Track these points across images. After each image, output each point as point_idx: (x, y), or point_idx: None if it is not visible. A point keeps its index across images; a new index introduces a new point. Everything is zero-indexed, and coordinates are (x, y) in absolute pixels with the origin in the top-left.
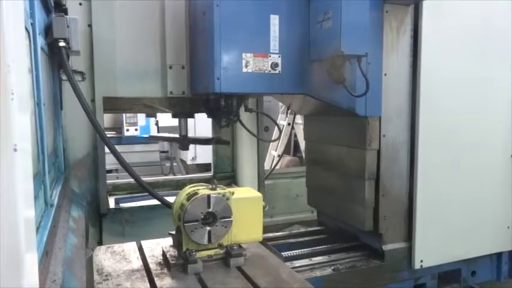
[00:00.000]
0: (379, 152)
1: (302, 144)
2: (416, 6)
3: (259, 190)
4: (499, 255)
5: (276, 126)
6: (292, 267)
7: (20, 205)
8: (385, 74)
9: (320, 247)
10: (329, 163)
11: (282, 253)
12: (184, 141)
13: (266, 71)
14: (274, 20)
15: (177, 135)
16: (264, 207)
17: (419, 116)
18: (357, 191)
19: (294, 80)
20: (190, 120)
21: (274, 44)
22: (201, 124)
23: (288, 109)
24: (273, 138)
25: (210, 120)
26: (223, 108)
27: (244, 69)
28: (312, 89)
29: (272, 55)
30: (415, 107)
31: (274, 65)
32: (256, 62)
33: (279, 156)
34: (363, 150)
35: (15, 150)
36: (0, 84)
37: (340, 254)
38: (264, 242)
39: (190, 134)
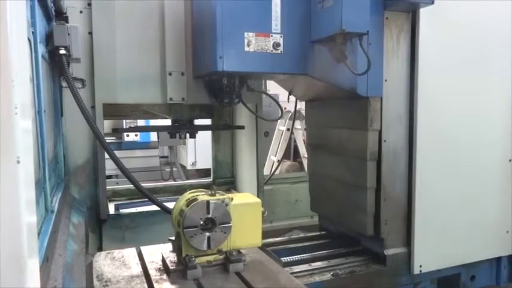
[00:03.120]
0: (380, 155)
1: (302, 149)
2: (414, 12)
3: (258, 195)
4: (498, 259)
5: (279, 108)
6: (291, 273)
7: (22, 213)
8: (386, 80)
9: (320, 252)
10: (331, 147)
11: (281, 258)
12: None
13: (268, 51)
14: (276, 0)
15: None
16: (263, 213)
17: (417, 121)
18: (359, 172)
19: (295, 60)
20: None
21: (276, 23)
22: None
23: (289, 94)
24: (273, 141)
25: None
26: (226, 88)
27: (247, 48)
28: (313, 70)
29: (274, 35)
30: (413, 112)
31: (276, 45)
32: (258, 42)
33: (278, 161)
34: (364, 131)
35: (18, 162)
36: (4, 99)
37: (339, 259)
38: (263, 247)
39: (190, 144)
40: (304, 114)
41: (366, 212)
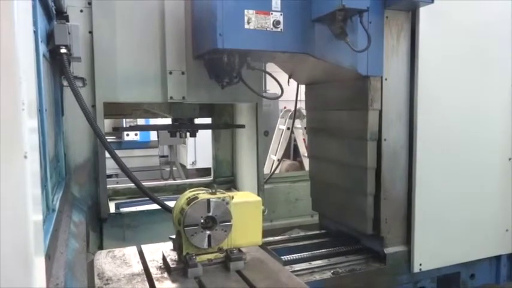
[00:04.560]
0: (380, 154)
1: (302, 148)
2: (414, 11)
3: (258, 194)
4: (497, 258)
5: (279, 87)
6: (292, 271)
7: (29, 209)
8: (386, 79)
9: (320, 251)
10: (331, 129)
11: (282, 257)
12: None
13: (268, 29)
14: None
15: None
16: (263, 212)
17: (417, 119)
18: (360, 154)
19: (295, 39)
20: None
21: (276, 1)
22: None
23: (289, 78)
24: (273, 140)
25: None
26: (226, 67)
27: (247, 26)
28: (314, 49)
29: (274, 13)
30: (413, 111)
31: (276, 23)
32: (258, 19)
33: (278, 160)
34: (364, 111)
35: (25, 157)
36: (12, 95)
37: (339, 257)
38: (264, 246)
39: (190, 143)
40: (304, 113)
41: (365, 194)
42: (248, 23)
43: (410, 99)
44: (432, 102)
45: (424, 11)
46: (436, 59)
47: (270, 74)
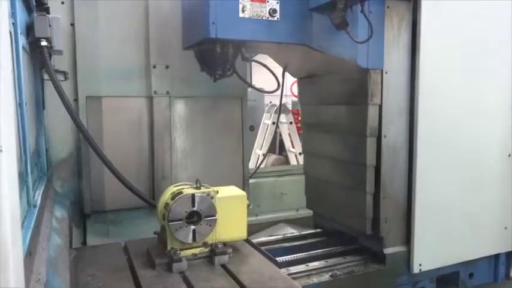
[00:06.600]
0: (379, 152)
1: (287, 142)
2: (415, 0)
3: (243, 189)
4: (496, 256)
5: (276, 81)
6: (288, 274)
7: (5, 204)
8: (386, 73)
9: (316, 251)
10: (327, 125)
11: (277, 258)
12: None
13: (264, 17)
14: None
15: None
16: (248, 206)
17: (418, 115)
18: (358, 150)
19: (293, 29)
20: None
21: None
22: None
23: (283, 71)
24: (258, 135)
25: None
26: (219, 59)
27: (241, 14)
28: (311, 40)
29: (270, 0)
30: (413, 106)
31: (272, 11)
32: (254, 7)
33: (264, 155)
34: (364, 105)
35: (0, 151)
36: None
37: (337, 258)
38: (249, 240)
39: None
40: (289, 108)
41: (364, 192)
42: (243, 11)
43: (411, 93)
44: (433, 97)
45: (426, 1)
46: (437, 51)
47: (267, 67)
